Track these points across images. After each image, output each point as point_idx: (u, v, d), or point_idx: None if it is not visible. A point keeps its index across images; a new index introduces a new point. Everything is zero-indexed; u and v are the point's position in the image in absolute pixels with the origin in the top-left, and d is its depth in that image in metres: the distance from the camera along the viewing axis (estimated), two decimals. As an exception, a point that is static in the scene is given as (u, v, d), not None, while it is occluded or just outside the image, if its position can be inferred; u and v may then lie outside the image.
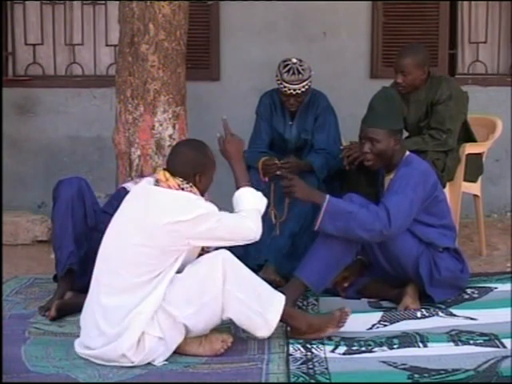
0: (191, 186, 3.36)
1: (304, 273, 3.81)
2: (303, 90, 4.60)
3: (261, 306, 3.33)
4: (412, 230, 3.85)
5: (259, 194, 3.56)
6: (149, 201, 3.32)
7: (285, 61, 4.65)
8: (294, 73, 4.57)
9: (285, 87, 4.59)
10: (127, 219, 3.35)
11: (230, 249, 3.42)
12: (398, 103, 4.05)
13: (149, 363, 3.24)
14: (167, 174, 3.37)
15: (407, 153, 3.98)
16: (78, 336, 3.42)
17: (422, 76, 4.61)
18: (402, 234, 3.81)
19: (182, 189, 3.34)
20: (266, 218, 4.51)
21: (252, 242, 3.43)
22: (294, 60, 4.64)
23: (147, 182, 3.46)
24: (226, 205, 3.51)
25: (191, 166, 3.37)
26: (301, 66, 4.61)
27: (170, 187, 3.34)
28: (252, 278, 3.39)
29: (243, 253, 4.28)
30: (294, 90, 4.59)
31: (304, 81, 4.59)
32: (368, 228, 3.70)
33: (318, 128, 4.73)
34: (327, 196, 3.77)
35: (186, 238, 3.25)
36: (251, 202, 3.49)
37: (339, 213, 3.71)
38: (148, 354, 3.23)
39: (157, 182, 3.38)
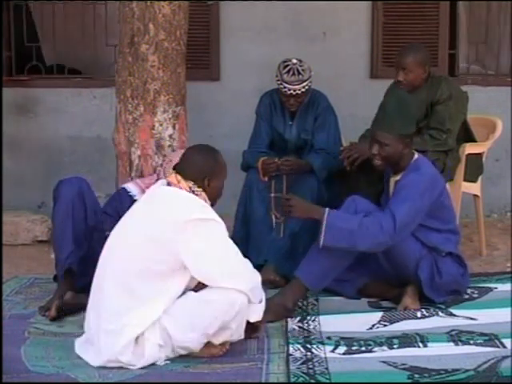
0: (201, 191, 3.36)
1: (304, 273, 3.82)
2: (303, 90, 4.60)
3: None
4: (416, 235, 3.84)
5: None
6: (161, 200, 3.33)
7: (285, 61, 4.64)
8: (293, 73, 4.57)
9: (285, 88, 4.59)
10: (138, 219, 3.34)
11: None
12: (411, 106, 3.97)
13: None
14: (179, 177, 3.37)
15: (416, 155, 3.94)
16: (78, 336, 3.43)
17: (422, 75, 4.61)
18: (406, 238, 3.80)
19: (193, 191, 3.34)
20: (266, 218, 4.54)
21: (239, 289, 3.25)
22: (294, 60, 4.63)
23: (161, 183, 3.46)
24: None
25: (200, 169, 3.37)
26: (301, 66, 4.61)
27: (181, 189, 3.35)
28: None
29: (243, 253, 4.28)
30: (294, 90, 4.59)
31: (304, 81, 4.59)
32: (371, 243, 3.70)
33: (318, 128, 4.73)
34: (326, 211, 3.74)
35: (183, 241, 3.19)
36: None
37: (340, 232, 3.69)
38: (148, 359, 3.22)
39: (169, 185, 3.38)
